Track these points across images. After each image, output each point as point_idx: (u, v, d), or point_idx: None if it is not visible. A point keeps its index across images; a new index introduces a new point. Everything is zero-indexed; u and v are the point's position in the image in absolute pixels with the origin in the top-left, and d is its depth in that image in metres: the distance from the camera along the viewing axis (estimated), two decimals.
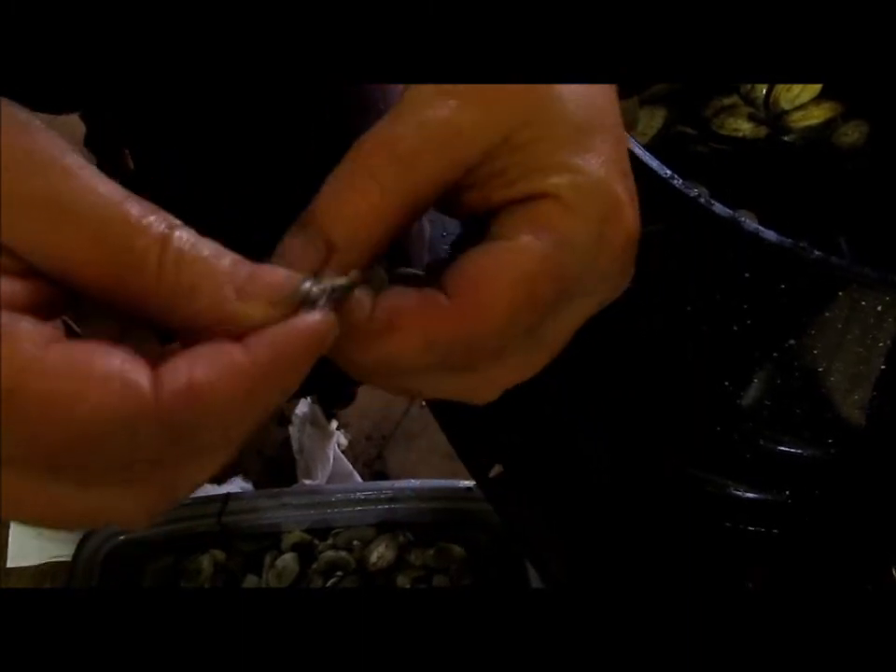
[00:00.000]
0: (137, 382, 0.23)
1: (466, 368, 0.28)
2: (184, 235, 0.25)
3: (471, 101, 0.28)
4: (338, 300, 0.27)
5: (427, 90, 0.28)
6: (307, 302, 0.26)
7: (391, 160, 0.27)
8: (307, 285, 0.26)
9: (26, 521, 0.26)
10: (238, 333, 0.25)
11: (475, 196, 0.29)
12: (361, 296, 0.27)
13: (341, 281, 0.27)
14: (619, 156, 0.29)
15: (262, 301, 0.25)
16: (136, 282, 0.25)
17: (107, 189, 0.25)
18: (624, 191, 0.29)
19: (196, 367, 0.24)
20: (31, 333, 0.23)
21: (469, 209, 0.29)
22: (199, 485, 0.27)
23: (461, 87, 0.28)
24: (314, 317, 0.25)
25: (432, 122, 0.27)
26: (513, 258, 0.27)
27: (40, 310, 0.25)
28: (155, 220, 0.25)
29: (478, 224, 0.30)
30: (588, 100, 0.29)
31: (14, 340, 0.23)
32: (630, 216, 0.29)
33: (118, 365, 0.23)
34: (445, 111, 0.27)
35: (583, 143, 0.28)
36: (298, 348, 0.25)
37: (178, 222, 0.26)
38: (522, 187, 0.28)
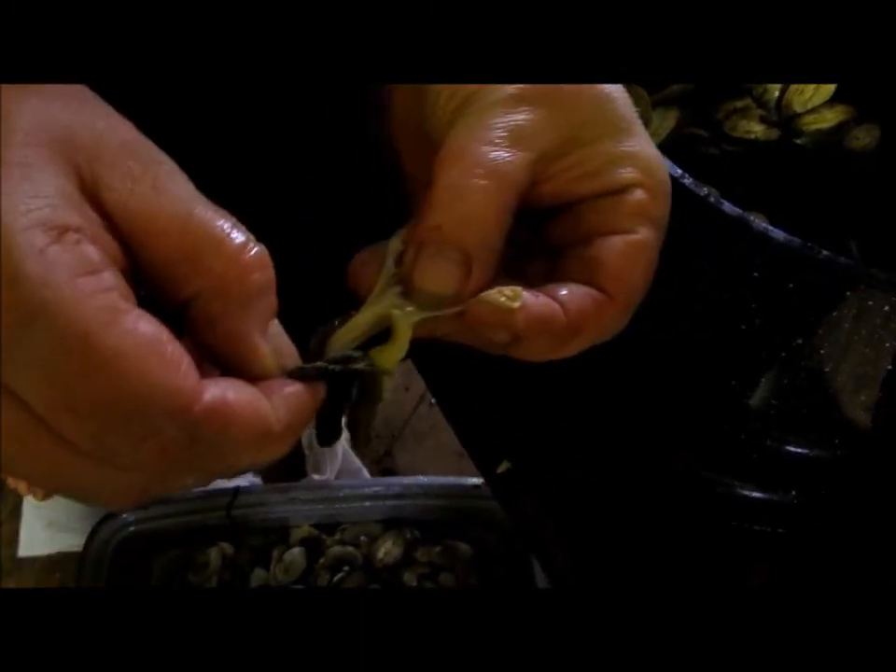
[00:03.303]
0: (193, 375, 0.25)
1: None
2: None
3: (541, 103, 0.31)
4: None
5: (497, 97, 0.31)
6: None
7: (491, 164, 0.30)
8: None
9: (14, 467, 0.26)
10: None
11: (549, 188, 0.33)
12: (554, 309, 0.31)
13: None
14: (646, 132, 0.34)
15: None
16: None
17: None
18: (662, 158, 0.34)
19: (229, 390, 0.26)
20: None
21: (542, 201, 0.33)
22: (166, 492, 0.29)
23: (523, 89, 0.31)
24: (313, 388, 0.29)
25: (516, 126, 0.31)
26: (640, 251, 0.32)
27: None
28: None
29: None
30: (623, 94, 0.33)
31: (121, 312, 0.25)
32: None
33: (185, 360, 0.25)
34: (523, 115, 0.31)
35: (632, 130, 0.33)
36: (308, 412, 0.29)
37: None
38: (607, 178, 0.32)
